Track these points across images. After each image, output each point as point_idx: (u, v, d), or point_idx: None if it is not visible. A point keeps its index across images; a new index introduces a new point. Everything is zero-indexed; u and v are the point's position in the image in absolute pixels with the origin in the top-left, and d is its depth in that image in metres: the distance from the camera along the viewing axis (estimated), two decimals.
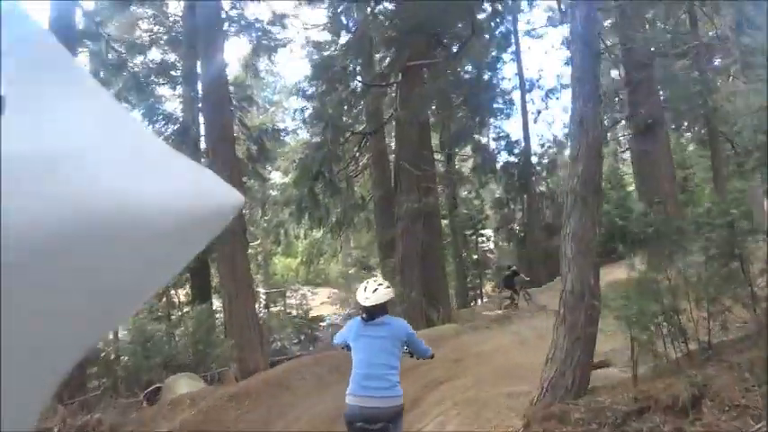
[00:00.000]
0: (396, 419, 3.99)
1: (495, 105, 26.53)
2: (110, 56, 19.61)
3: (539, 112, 28.54)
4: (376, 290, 4.14)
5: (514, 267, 20.59)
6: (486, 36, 21.45)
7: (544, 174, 28.76)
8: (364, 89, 18.59)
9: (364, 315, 4.16)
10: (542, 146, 29.16)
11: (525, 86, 27.91)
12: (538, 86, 28.41)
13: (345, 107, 18.91)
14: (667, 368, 6.58)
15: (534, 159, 28.60)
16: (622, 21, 17.33)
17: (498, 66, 26.34)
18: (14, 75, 0.75)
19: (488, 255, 29.61)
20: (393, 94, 18.87)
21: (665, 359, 6.76)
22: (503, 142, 27.59)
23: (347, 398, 4.00)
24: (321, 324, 20.56)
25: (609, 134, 36.01)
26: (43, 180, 0.68)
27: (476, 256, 28.65)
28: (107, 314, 0.84)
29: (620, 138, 34.94)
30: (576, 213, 6.57)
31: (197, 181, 0.97)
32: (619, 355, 9.05)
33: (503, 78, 27.27)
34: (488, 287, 28.24)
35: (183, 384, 10.70)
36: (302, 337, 19.79)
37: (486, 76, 25.46)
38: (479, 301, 26.50)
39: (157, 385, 10.74)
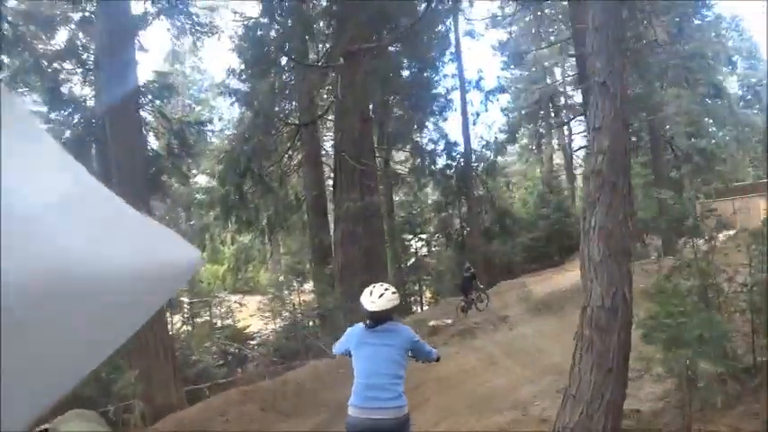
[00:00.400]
0: (402, 430, 3.83)
1: (434, 105, 25.47)
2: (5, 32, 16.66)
3: (478, 114, 27.62)
4: (382, 295, 3.93)
5: (473, 269, 19.15)
6: (425, 37, 20.32)
7: (484, 177, 27.70)
8: (299, 75, 16.54)
9: (368, 321, 3.95)
10: (482, 148, 28.08)
11: (465, 87, 26.83)
12: (477, 88, 27.46)
13: (277, 92, 16.73)
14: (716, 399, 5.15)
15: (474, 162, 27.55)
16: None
17: (439, 63, 25.24)
18: None
19: (427, 260, 28.27)
20: (330, 87, 17.04)
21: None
22: (441, 144, 26.37)
23: (349, 408, 3.81)
24: (250, 342, 17.78)
25: (553, 136, 36.08)
26: (12, 239, 0.70)
27: (412, 261, 27.32)
28: (66, 370, 0.84)
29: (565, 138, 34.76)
30: (604, 201, 5.10)
31: (155, 240, 0.99)
32: None
33: (444, 75, 26.04)
34: (428, 294, 26.96)
35: (75, 426, 8.30)
36: (229, 358, 17.21)
37: (426, 73, 24.32)
38: (419, 308, 25.05)
39: (44, 427, 8.28)
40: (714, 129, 26.74)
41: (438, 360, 4.39)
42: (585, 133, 37.47)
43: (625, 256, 5.15)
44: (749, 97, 33.93)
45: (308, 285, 17.44)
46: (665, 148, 21.08)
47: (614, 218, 5.07)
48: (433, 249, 29.05)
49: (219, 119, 24.73)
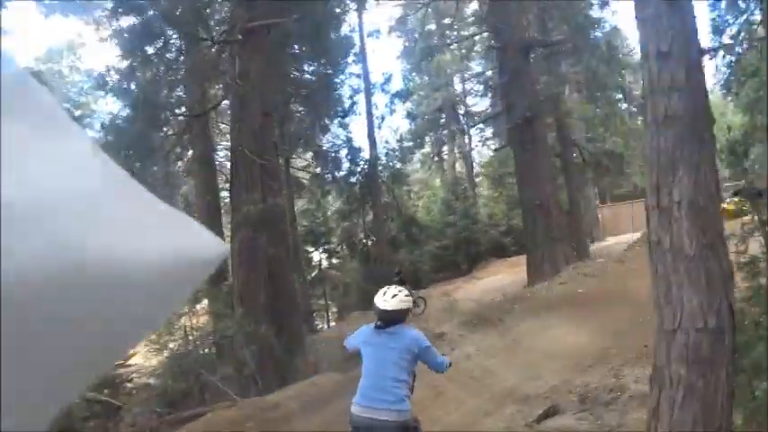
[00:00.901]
0: None
1: (338, 107, 23.91)
2: None
3: (383, 118, 26.31)
4: (395, 295, 3.96)
5: (402, 272, 18.25)
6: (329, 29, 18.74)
7: (390, 183, 26.42)
8: (189, 57, 14.14)
9: (379, 322, 3.96)
10: (388, 153, 26.76)
11: (370, 89, 25.48)
12: (383, 90, 26.21)
13: (163, 77, 14.25)
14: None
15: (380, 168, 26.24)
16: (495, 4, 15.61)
17: (342, 62, 23.70)
18: None
19: (331, 272, 26.48)
20: (226, 72, 14.78)
21: None
22: (345, 148, 24.76)
23: (352, 406, 3.83)
24: (127, 385, 13.30)
25: (456, 144, 35.56)
26: (30, 231, 0.69)
27: (315, 273, 25.46)
28: (88, 366, 0.84)
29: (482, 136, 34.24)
30: (691, 161, 3.50)
31: (180, 231, 0.96)
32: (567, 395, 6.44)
33: (350, 74, 24.51)
34: (335, 309, 25.15)
35: None
36: (97, 408, 13.17)
37: (329, 71, 22.69)
38: (326, 325, 23.17)
39: None
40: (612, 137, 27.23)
41: (450, 365, 4.26)
42: (485, 139, 38.06)
43: (723, 246, 3.62)
44: (634, 109, 35.51)
45: (204, 304, 14.94)
46: (573, 151, 20.81)
47: (705, 189, 3.51)
48: (337, 261, 27.36)
49: (102, 126, 21.63)
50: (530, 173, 15.14)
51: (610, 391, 6.19)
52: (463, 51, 34.20)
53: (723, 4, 20.66)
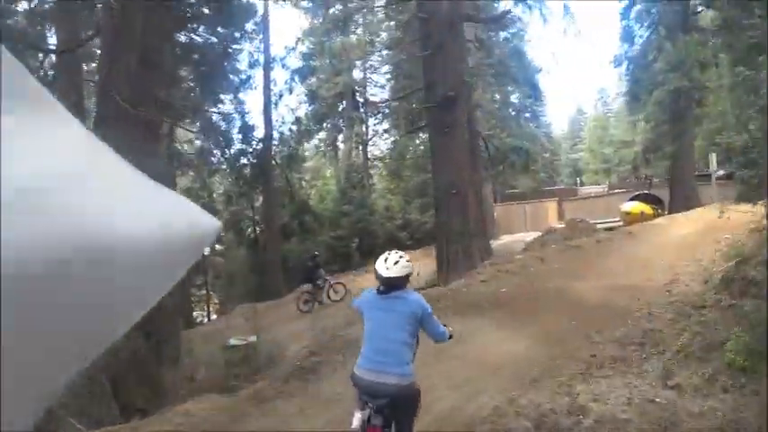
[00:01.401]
0: (404, 401, 3.77)
1: (232, 78, 21.77)
2: None
3: (281, 95, 24.35)
4: (397, 262, 3.90)
5: (318, 256, 17.22)
6: None
7: (285, 167, 24.58)
8: None
9: (381, 287, 3.91)
10: (283, 135, 24.82)
11: (270, 64, 23.49)
12: (283, 66, 24.32)
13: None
14: None
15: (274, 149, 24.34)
16: None
17: (241, 32, 21.56)
18: None
19: (216, 259, 24.24)
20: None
21: None
22: (238, 124, 22.61)
23: (355, 368, 3.87)
24: None
25: (353, 131, 34.12)
26: (27, 217, 0.71)
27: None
28: (90, 341, 0.86)
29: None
30: None
31: (173, 209, 1.02)
32: (517, 419, 5.38)
33: (248, 39, 22.36)
34: (216, 301, 22.96)
35: None
36: None
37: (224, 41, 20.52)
38: (206, 318, 20.98)
39: None
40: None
41: (451, 338, 4.17)
42: (384, 130, 37.00)
43: None
44: (527, 115, 36.29)
45: None
46: (481, 146, 20.25)
47: None
48: (222, 247, 25.09)
49: None
50: (447, 158, 13.89)
51: (568, 413, 5.14)
52: (369, 38, 33.13)
53: (633, 13, 21.42)
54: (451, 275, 12.39)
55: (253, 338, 11.49)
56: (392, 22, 28.50)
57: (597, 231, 17.31)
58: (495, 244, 23.58)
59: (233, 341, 11.46)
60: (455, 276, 12.09)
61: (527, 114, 36.05)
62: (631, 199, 21.17)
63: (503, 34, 23.35)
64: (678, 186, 21.56)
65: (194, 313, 21.98)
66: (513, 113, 28.51)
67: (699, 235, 11.86)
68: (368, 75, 35.67)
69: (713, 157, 18.89)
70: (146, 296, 0.94)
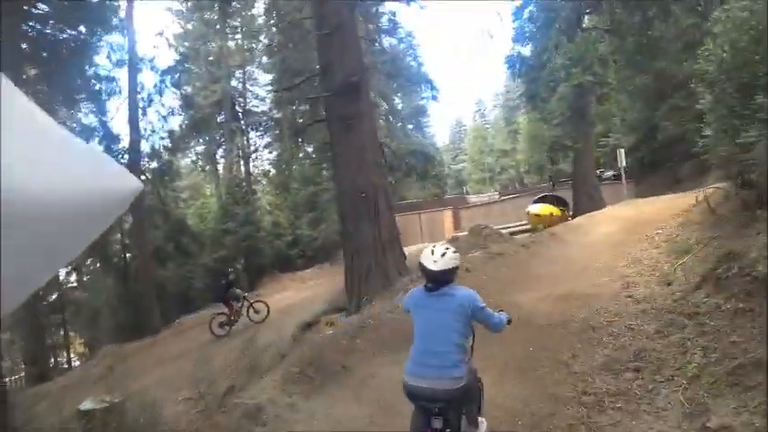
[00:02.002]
0: (462, 400, 3.60)
1: (91, 81, 18.86)
2: None
3: (150, 101, 21.52)
4: (444, 254, 3.54)
5: (232, 276, 15.83)
6: None
7: (156, 182, 21.75)
8: None
9: (429, 284, 3.57)
10: (154, 146, 21.99)
11: (136, 64, 20.68)
12: (152, 68, 21.61)
13: None
14: None
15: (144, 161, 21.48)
16: None
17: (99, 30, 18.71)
18: None
19: (77, 293, 20.82)
20: None
21: None
22: (98, 134, 19.64)
23: (404, 375, 3.53)
24: None
25: (235, 143, 31.48)
26: None
27: (54, 296, 19.63)
28: (5, 297, 0.92)
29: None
30: None
31: (96, 167, 1.08)
32: None
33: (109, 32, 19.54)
34: (78, 343, 19.56)
35: None
36: None
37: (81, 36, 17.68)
38: (68, 364, 17.71)
39: None
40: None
41: (510, 323, 3.88)
42: (266, 143, 34.55)
43: None
44: (411, 126, 35.83)
45: None
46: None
47: None
48: (86, 279, 21.65)
49: None
50: (352, 156, 11.86)
51: None
52: (249, 46, 31.05)
53: (526, 13, 21.24)
54: (364, 296, 10.58)
55: (114, 399, 8.83)
56: (273, 28, 26.48)
57: (504, 236, 16.54)
58: None
59: (87, 404, 8.71)
60: (369, 297, 10.32)
61: (410, 126, 35.69)
62: (536, 201, 20.60)
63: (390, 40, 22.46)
64: (581, 186, 21.24)
65: (58, 358, 18.51)
66: (399, 124, 27.66)
67: (625, 232, 11.12)
68: (248, 86, 33.35)
69: (622, 153, 18.82)
70: (61, 252, 1.01)
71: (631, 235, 10.62)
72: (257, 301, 14.58)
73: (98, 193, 0.99)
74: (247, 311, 14.13)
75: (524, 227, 19.86)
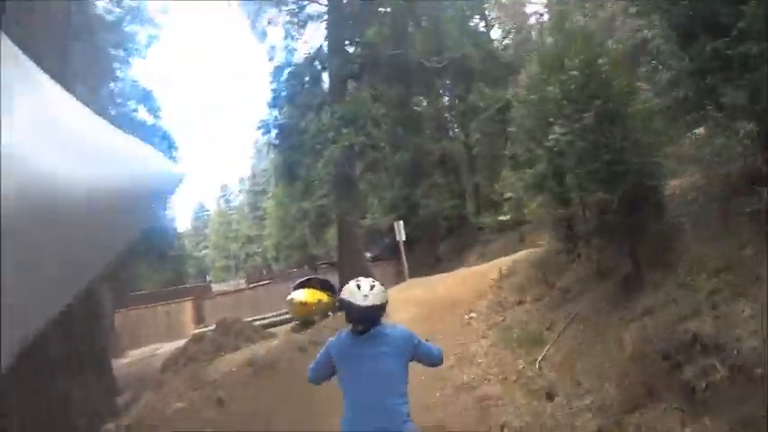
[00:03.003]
0: None
1: None
2: None
3: None
4: (373, 286, 3.07)
5: None
6: None
7: None
8: None
9: (359, 326, 3.02)
10: None
11: None
12: None
13: None
14: None
15: None
16: None
17: None
18: None
19: None
20: None
21: None
22: None
23: None
24: None
25: None
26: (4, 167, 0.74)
27: None
28: (61, 286, 0.89)
29: None
30: None
31: (138, 158, 1.03)
32: None
33: None
34: None
35: None
36: None
37: None
38: None
39: None
40: None
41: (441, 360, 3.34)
42: None
43: None
44: None
45: None
46: None
47: None
48: None
49: None
50: None
51: None
52: None
53: (286, 75, 19.49)
54: None
55: None
56: None
57: (262, 332, 13.70)
58: (118, 364, 17.59)
59: None
60: None
61: None
62: (297, 287, 16.08)
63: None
64: (349, 266, 18.48)
65: None
66: None
67: (433, 320, 9.01)
68: None
69: (400, 226, 15.78)
70: (108, 244, 0.95)
71: (442, 323, 8.55)
72: None
73: (141, 183, 0.94)
74: None
75: (283, 317, 16.92)
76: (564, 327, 6.01)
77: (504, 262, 9.86)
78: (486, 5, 24.80)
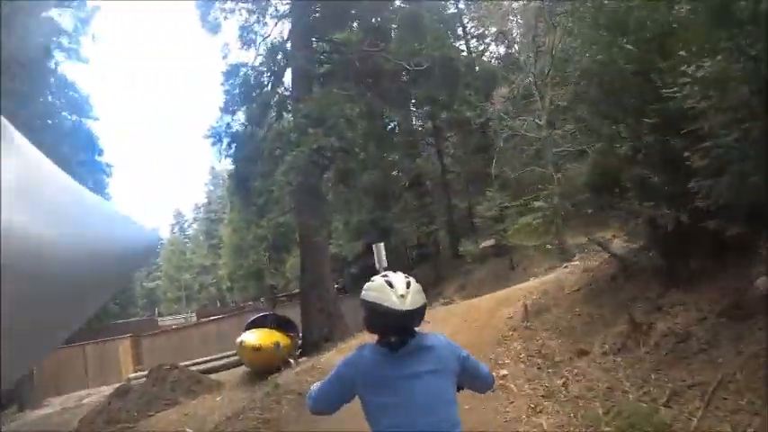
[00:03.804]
0: None
1: None
2: None
3: None
4: (409, 283, 2.18)
5: None
6: None
7: None
8: None
9: (393, 338, 2.16)
10: None
11: None
12: None
13: None
14: None
15: None
16: None
17: None
18: None
19: None
20: None
21: None
22: None
23: None
24: None
25: None
26: None
27: None
28: (22, 353, 0.91)
29: None
30: None
31: (113, 224, 1.09)
32: None
33: None
34: None
35: None
36: None
37: None
38: None
39: None
40: None
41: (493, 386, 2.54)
42: None
43: None
44: None
45: None
46: None
47: None
48: None
49: None
50: None
51: None
52: None
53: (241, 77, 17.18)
54: None
55: None
56: None
57: (205, 382, 11.29)
58: (34, 416, 14.79)
59: None
60: None
61: None
62: (249, 326, 12.71)
63: None
64: (314, 299, 15.63)
65: None
66: None
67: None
68: None
69: (381, 248, 12.22)
70: (76, 310, 1.00)
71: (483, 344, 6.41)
72: None
73: (116, 249, 0.97)
74: None
75: (234, 358, 13.97)
76: (708, 399, 3.52)
77: (525, 291, 7.72)
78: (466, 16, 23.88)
